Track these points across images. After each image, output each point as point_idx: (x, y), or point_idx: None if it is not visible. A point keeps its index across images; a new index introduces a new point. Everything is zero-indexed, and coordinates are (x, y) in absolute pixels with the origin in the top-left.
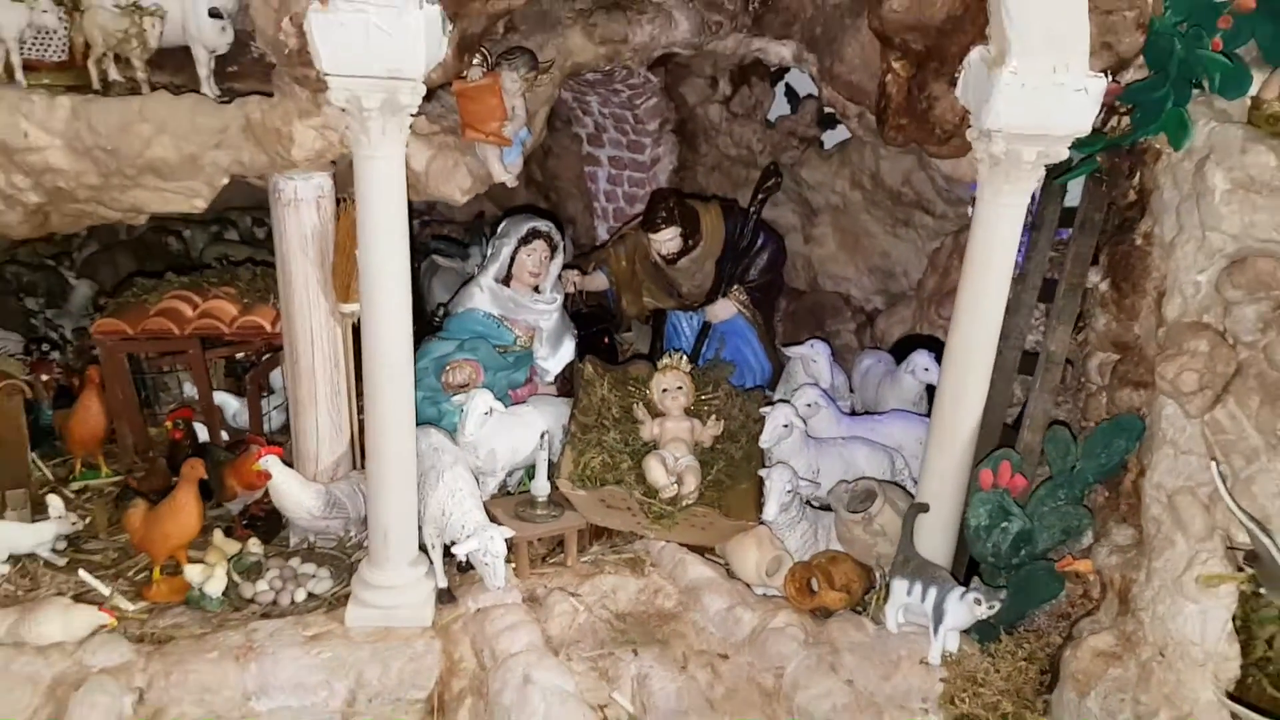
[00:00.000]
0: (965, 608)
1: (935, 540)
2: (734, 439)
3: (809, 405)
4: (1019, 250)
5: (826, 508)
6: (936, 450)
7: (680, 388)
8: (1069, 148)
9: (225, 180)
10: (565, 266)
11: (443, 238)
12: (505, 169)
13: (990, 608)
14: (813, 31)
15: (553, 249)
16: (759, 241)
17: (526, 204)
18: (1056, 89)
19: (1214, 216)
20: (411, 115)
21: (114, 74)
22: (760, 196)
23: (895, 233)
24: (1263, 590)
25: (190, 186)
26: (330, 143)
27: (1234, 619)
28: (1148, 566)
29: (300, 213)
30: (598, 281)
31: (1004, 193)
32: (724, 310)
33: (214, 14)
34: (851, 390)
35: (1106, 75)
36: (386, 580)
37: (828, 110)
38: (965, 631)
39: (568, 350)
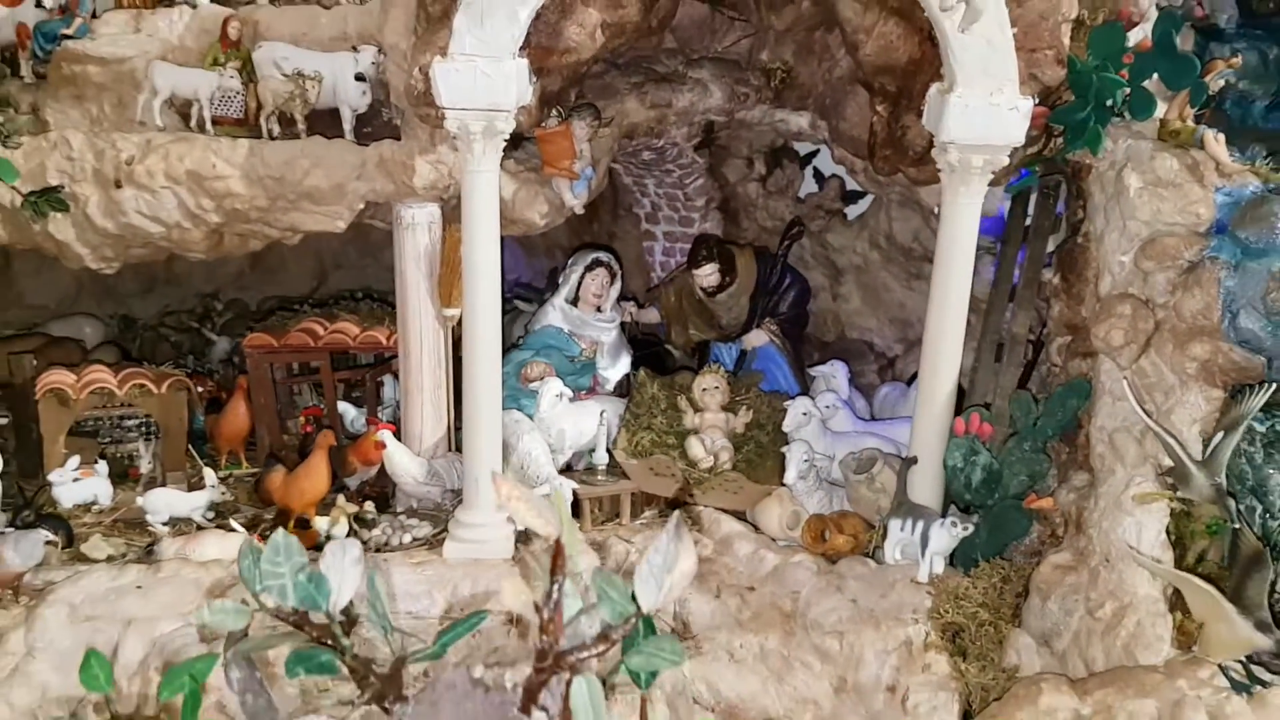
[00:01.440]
0: (945, 532)
1: (924, 488)
2: (762, 428)
3: (828, 406)
4: (991, 264)
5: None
6: (922, 411)
7: (717, 387)
8: (1025, 167)
9: (361, 205)
10: (622, 297)
11: (523, 285)
12: (575, 198)
13: (965, 529)
14: (822, 102)
15: (612, 276)
16: (787, 280)
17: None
18: (993, 109)
19: (1130, 209)
20: (505, 140)
21: (277, 130)
22: (786, 243)
23: (910, 286)
24: (1180, 494)
25: (335, 210)
26: (441, 174)
27: (1168, 532)
28: (1095, 494)
29: (416, 235)
30: (650, 315)
31: (961, 194)
32: (757, 339)
33: (359, 78)
34: (873, 415)
35: (1034, 100)
36: (477, 520)
37: (850, 189)
38: (951, 564)
39: (625, 362)
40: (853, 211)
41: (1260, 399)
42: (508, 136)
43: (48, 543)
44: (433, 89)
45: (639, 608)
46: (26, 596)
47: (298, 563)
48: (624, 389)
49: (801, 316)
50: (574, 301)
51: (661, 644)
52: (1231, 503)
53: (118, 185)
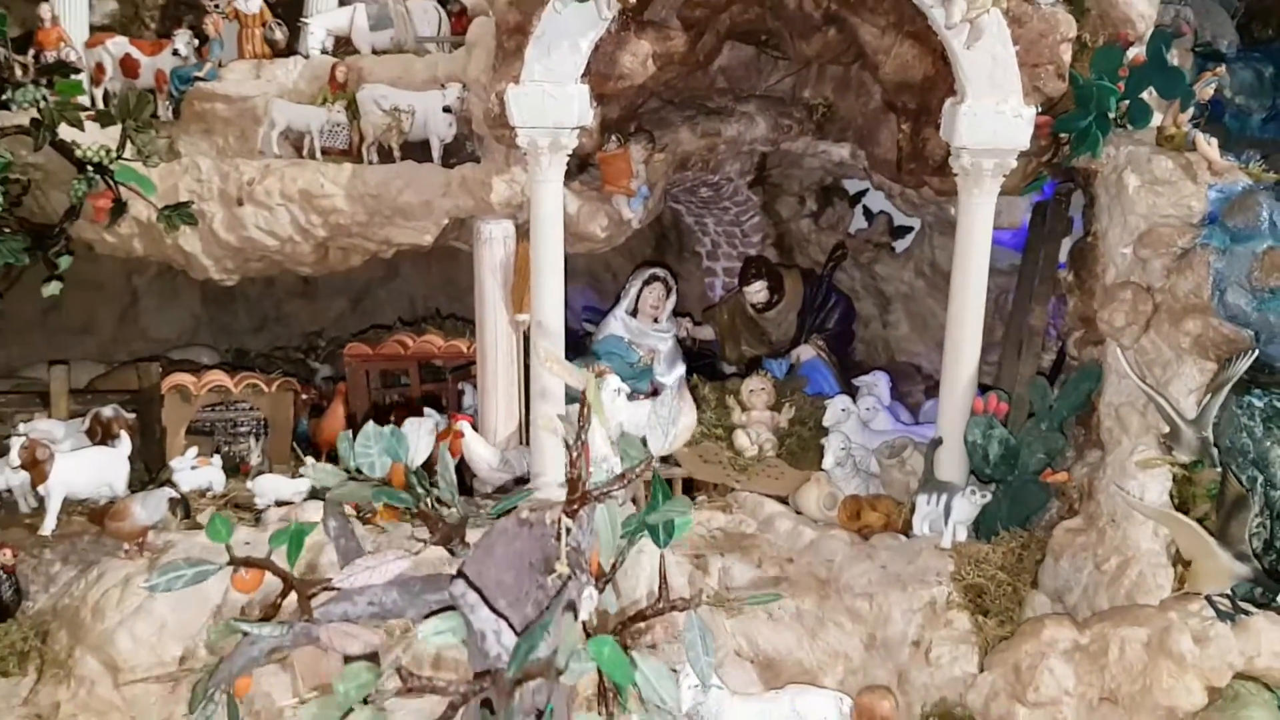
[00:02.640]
0: (966, 502)
1: (949, 467)
2: (804, 424)
3: (869, 409)
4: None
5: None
6: (946, 395)
7: (763, 389)
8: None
9: (446, 220)
10: (676, 313)
11: (590, 309)
12: (631, 212)
13: (984, 497)
14: (861, 133)
15: (668, 290)
16: (832, 300)
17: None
18: (1000, 117)
19: (1130, 205)
20: (568, 155)
21: (376, 159)
22: (830, 264)
23: None
24: (1175, 453)
25: (423, 225)
26: (515, 191)
27: (1171, 496)
28: (1104, 464)
29: (493, 248)
30: (706, 332)
31: (975, 195)
32: (806, 353)
33: (446, 110)
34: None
35: (1037, 109)
36: (543, 495)
37: (897, 225)
38: (975, 535)
39: (680, 370)
40: (900, 245)
41: (1244, 364)
42: (570, 151)
43: (170, 500)
44: (507, 111)
45: (649, 453)
46: (150, 554)
47: (384, 445)
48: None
49: (846, 333)
50: (634, 313)
51: (674, 504)
52: (1215, 451)
53: (239, 203)
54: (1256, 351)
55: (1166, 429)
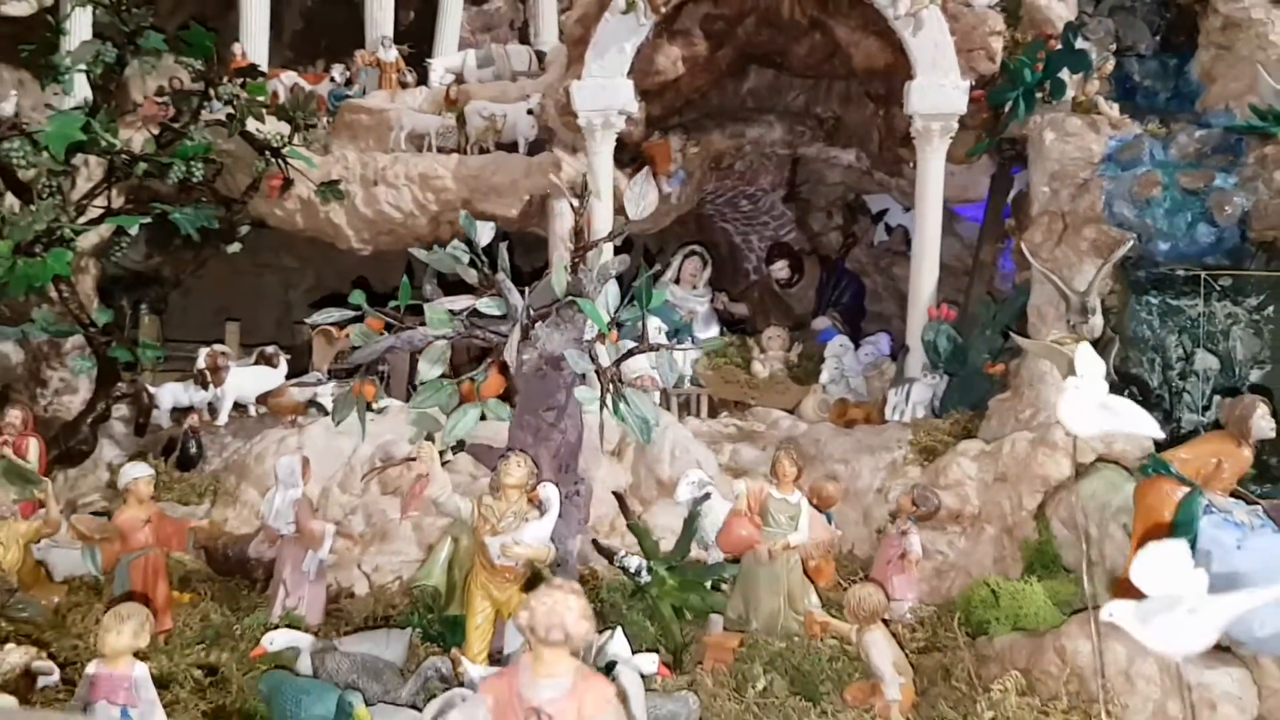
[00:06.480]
0: (922, 385)
1: (914, 367)
2: (810, 358)
3: (867, 354)
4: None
5: None
6: (911, 312)
7: (779, 336)
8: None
9: (527, 197)
10: (715, 289)
11: None
12: (670, 189)
13: (935, 378)
14: (863, 140)
15: (704, 262)
16: (844, 280)
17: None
18: (942, 89)
19: (1047, 154)
20: (615, 133)
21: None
22: (843, 250)
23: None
24: (1079, 330)
25: (509, 201)
26: (577, 171)
27: None
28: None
29: (563, 220)
30: (740, 308)
31: (928, 151)
32: (822, 323)
33: (529, 112)
34: None
35: (972, 84)
36: None
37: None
38: (934, 415)
39: (714, 329)
40: None
41: (1122, 251)
42: (617, 130)
43: (317, 382)
44: (571, 101)
45: (628, 217)
46: (300, 429)
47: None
48: None
49: (858, 308)
50: (677, 281)
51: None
52: (1098, 319)
53: (374, 184)
54: (1133, 241)
55: (1074, 321)
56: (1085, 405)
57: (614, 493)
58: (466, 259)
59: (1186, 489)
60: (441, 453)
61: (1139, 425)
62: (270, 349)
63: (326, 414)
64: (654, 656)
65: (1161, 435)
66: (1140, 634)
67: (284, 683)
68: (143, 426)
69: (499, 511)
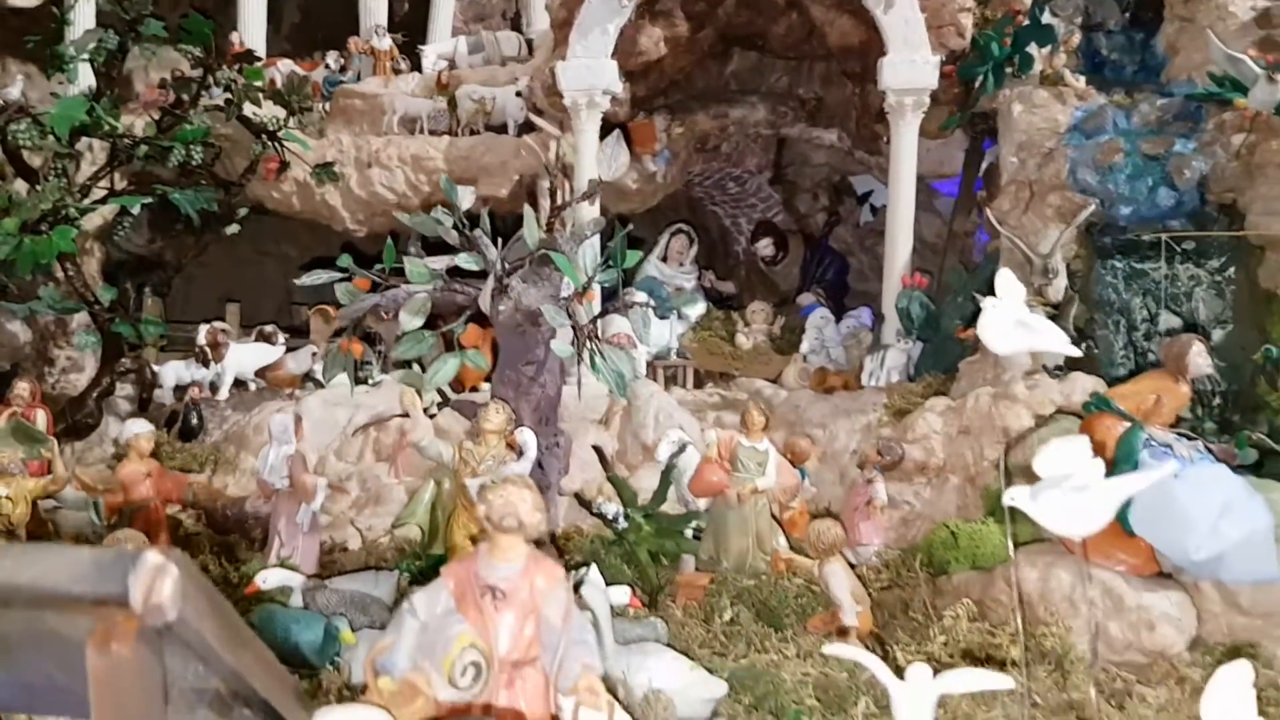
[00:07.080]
0: (896, 350)
1: (889, 335)
2: (792, 331)
3: (850, 326)
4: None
5: None
6: (886, 283)
7: (763, 310)
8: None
9: (516, 177)
10: (703, 267)
11: None
12: (654, 168)
13: (907, 344)
14: (844, 120)
15: (690, 240)
16: (827, 257)
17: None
18: (913, 64)
19: (1015, 125)
20: (600, 112)
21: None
22: (826, 229)
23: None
24: (1044, 294)
25: (499, 181)
26: (564, 150)
27: None
28: None
29: (545, 198)
30: (728, 286)
31: (901, 125)
32: (806, 299)
33: (518, 94)
34: None
35: (943, 59)
36: None
37: None
38: (909, 380)
39: (700, 306)
40: None
41: (1085, 214)
42: (602, 110)
43: (313, 355)
44: (557, 81)
45: (600, 178)
46: (298, 400)
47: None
48: None
49: (842, 284)
50: (664, 259)
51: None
52: (1061, 280)
53: (368, 166)
54: (1095, 205)
55: (1028, 267)
56: (1004, 323)
57: (593, 446)
58: (450, 222)
59: (1128, 424)
60: (427, 409)
61: (1055, 343)
62: (269, 328)
63: (322, 387)
64: (626, 589)
65: (1078, 353)
66: (1033, 511)
67: (276, 614)
68: (146, 402)
69: (479, 455)
